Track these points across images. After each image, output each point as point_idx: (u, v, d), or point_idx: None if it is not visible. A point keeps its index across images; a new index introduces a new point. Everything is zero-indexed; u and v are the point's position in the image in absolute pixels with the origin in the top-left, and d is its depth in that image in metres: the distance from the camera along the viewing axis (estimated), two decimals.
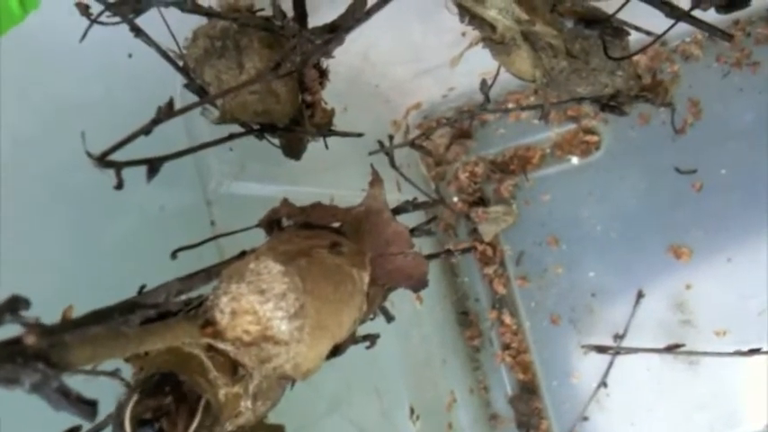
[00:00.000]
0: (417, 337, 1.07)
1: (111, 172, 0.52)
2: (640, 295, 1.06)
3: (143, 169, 0.58)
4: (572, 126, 1.11)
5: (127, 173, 0.55)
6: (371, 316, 0.72)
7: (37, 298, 0.32)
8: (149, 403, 0.40)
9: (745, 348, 0.92)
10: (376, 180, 0.61)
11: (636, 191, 1.08)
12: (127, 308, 0.36)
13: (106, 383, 0.44)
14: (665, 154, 1.06)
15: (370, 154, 0.98)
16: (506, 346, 1.15)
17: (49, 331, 0.32)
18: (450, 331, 1.16)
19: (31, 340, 0.31)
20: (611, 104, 0.73)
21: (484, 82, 0.77)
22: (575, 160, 1.11)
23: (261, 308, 0.45)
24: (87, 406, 0.35)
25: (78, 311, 0.38)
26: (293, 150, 0.74)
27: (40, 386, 0.32)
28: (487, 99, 0.77)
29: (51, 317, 0.35)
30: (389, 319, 0.81)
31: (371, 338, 0.77)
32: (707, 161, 1.05)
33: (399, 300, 0.82)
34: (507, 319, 1.15)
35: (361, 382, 0.91)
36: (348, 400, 0.90)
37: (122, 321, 0.36)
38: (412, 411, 0.95)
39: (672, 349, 1.01)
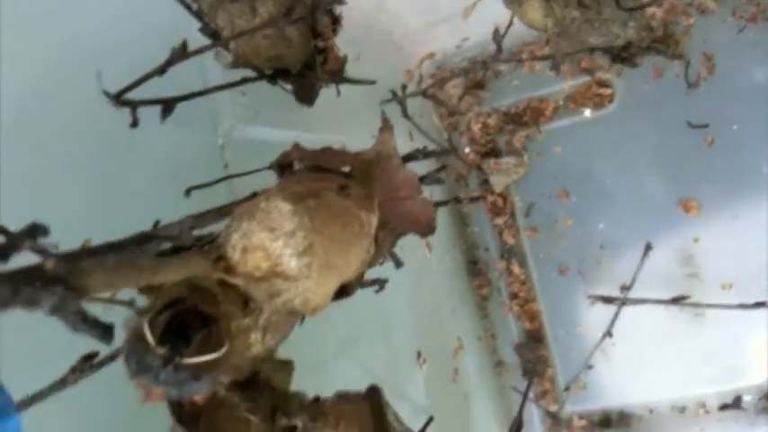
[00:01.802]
0: (426, 284, 1.09)
1: (127, 111, 0.54)
2: (648, 248, 1.07)
3: (158, 112, 0.60)
4: (586, 79, 1.11)
5: (143, 115, 0.57)
6: (381, 260, 0.74)
7: (54, 235, 0.33)
8: (167, 319, 0.42)
9: (750, 302, 0.94)
10: (386, 125, 0.62)
11: (647, 144, 1.08)
12: (143, 239, 0.38)
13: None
14: (677, 108, 1.06)
15: (383, 103, 0.99)
16: (514, 296, 1.17)
17: (67, 257, 0.33)
18: (458, 280, 1.18)
19: (50, 264, 0.32)
20: (622, 55, 0.74)
21: (496, 31, 0.77)
22: (587, 113, 1.11)
23: (271, 245, 0.47)
24: (104, 329, 0.37)
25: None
26: (305, 96, 0.75)
27: (58, 308, 0.34)
28: (500, 48, 0.77)
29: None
30: (398, 264, 0.83)
31: (380, 283, 0.79)
32: (719, 116, 1.05)
33: (409, 247, 0.83)
34: (516, 269, 1.16)
35: (370, 326, 0.93)
36: (356, 343, 0.92)
37: (138, 251, 0.37)
38: (419, 355, 0.98)
39: (678, 301, 1.02)
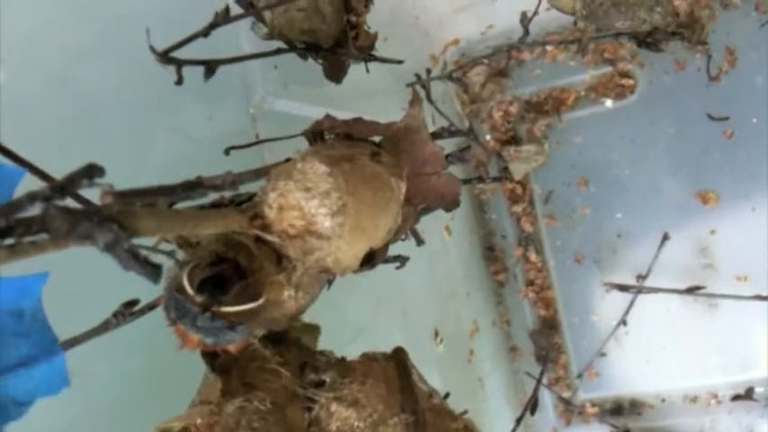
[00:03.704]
0: (444, 267, 1.10)
1: (165, 78, 0.56)
2: (665, 238, 1.08)
3: (197, 82, 0.62)
4: (608, 69, 1.12)
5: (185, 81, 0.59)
6: (403, 236, 0.75)
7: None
8: (206, 271, 0.44)
9: (765, 294, 0.95)
10: (416, 99, 0.63)
11: (667, 136, 1.09)
12: (189, 186, 0.39)
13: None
14: (698, 100, 1.07)
15: (408, 86, 1.00)
16: (530, 283, 1.19)
17: (122, 195, 0.35)
18: (475, 265, 1.19)
19: (107, 200, 0.34)
20: (647, 41, 0.75)
21: (524, 15, 0.79)
22: (609, 103, 1.13)
23: (306, 204, 0.49)
24: (153, 268, 0.39)
25: None
26: (335, 73, 0.77)
27: (111, 246, 0.36)
28: (527, 32, 0.79)
29: None
30: (420, 242, 0.85)
31: (401, 259, 0.80)
32: (739, 109, 1.06)
33: (429, 230, 0.85)
34: (532, 257, 1.18)
35: (388, 303, 0.94)
36: (374, 322, 0.94)
37: (184, 197, 0.39)
38: (436, 334, 1.00)
39: (692, 291, 1.04)
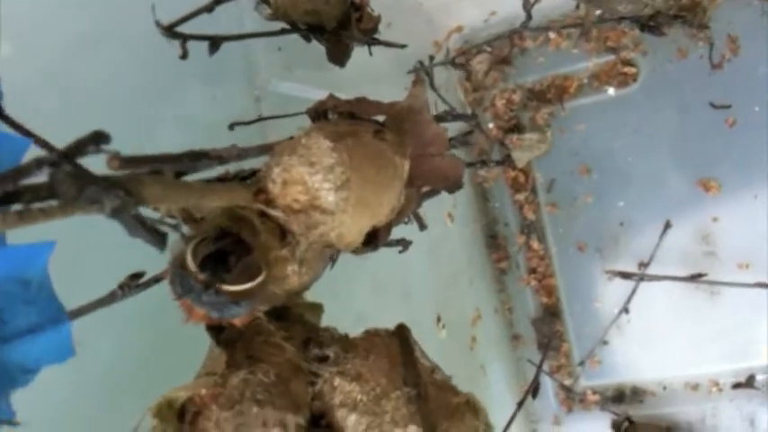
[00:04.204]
0: (447, 254, 1.11)
1: (175, 51, 0.56)
2: (668, 225, 1.09)
3: (201, 64, 0.62)
4: (611, 57, 1.12)
5: (186, 64, 0.59)
6: (406, 220, 0.76)
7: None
8: (210, 246, 0.44)
9: (767, 281, 0.95)
10: (419, 80, 0.64)
11: (670, 124, 1.09)
12: (194, 156, 0.40)
13: None
14: (700, 89, 1.08)
15: (410, 72, 1.01)
16: (532, 270, 1.19)
17: (128, 160, 0.35)
18: (478, 253, 1.20)
19: (114, 165, 0.35)
20: (650, 24, 0.75)
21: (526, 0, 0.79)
22: (611, 91, 1.13)
23: (310, 179, 0.49)
24: (159, 235, 0.39)
25: None
26: (338, 56, 0.77)
27: (118, 211, 0.36)
28: (529, 16, 0.79)
29: None
30: (423, 226, 0.85)
31: (404, 243, 0.81)
32: (741, 98, 1.06)
33: (431, 217, 0.85)
34: (535, 245, 1.18)
35: (391, 289, 0.95)
36: (376, 308, 0.94)
37: (190, 166, 0.39)
38: (438, 320, 1.00)
39: (695, 278, 1.04)
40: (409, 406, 0.50)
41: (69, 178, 0.34)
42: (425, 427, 0.49)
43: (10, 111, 0.50)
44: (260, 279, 0.48)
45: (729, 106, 1.06)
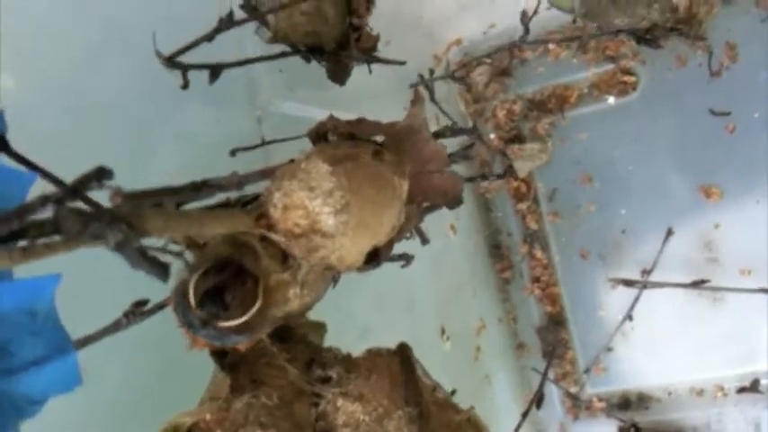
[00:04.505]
0: (450, 266, 1.11)
1: (170, 82, 0.57)
2: (670, 233, 1.09)
3: (203, 85, 0.63)
4: (610, 66, 1.13)
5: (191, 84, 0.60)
6: (408, 235, 0.76)
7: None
8: (211, 279, 0.45)
9: None
10: (417, 99, 0.64)
11: (670, 131, 1.10)
12: (195, 187, 0.41)
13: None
14: (700, 96, 1.08)
15: (411, 86, 1.02)
16: (536, 279, 1.20)
17: (131, 195, 0.36)
18: (481, 263, 1.20)
19: (117, 201, 0.35)
20: (646, 37, 0.76)
21: (524, 13, 0.80)
22: (611, 100, 1.13)
23: (310, 203, 0.50)
24: (162, 267, 0.40)
25: None
26: (338, 75, 0.78)
27: (121, 245, 0.37)
28: (527, 30, 0.80)
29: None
30: (425, 240, 0.86)
31: (407, 258, 0.81)
32: (741, 104, 1.06)
33: (434, 229, 0.86)
34: (538, 254, 1.19)
35: (394, 302, 0.95)
36: (380, 321, 0.95)
37: (191, 197, 0.40)
38: (443, 332, 1.01)
39: (697, 285, 1.04)
40: (411, 426, 0.51)
41: (73, 215, 0.35)
42: None
43: (13, 132, 0.51)
44: (254, 309, 0.48)
45: (729, 113, 1.07)
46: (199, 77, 0.64)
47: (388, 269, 0.81)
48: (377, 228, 0.55)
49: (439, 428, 0.51)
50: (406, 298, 0.98)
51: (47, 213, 0.37)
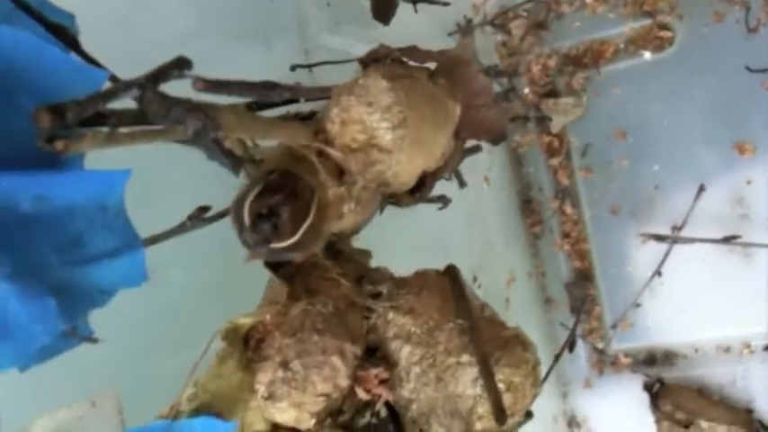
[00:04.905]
0: (482, 218, 1.12)
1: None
2: (702, 189, 1.09)
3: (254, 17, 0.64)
4: (647, 21, 1.12)
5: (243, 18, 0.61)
6: (448, 175, 0.77)
7: None
8: (266, 199, 0.46)
9: None
10: (468, 31, 0.65)
11: (705, 87, 1.10)
12: (268, 85, 0.42)
13: None
14: (736, 52, 1.08)
15: (450, 35, 1.02)
16: (566, 235, 1.20)
17: (211, 83, 0.37)
18: (512, 218, 1.21)
19: (199, 86, 0.37)
20: None
21: None
22: (647, 55, 1.13)
23: (368, 118, 0.51)
24: (236, 160, 0.41)
25: None
26: (383, 14, 0.79)
27: (200, 133, 0.38)
28: None
29: None
30: (462, 183, 0.87)
31: (444, 200, 0.82)
32: None
33: (468, 180, 0.86)
34: (569, 209, 1.19)
35: (428, 251, 0.96)
36: (416, 266, 0.96)
37: (265, 94, 0.41)
38: (474, 279, 1.01)
39: (728, 240, 1.05)
40: (462, 337, 0.52)
41: (158, 98, 0.36)
42: (478, 356, 0.50)
43: None
44: (304, 227, 0.49)
45: (766, 70, 1.06)
46: (251, 11, 0.65)
47: (425, 216, 0.82)
48: (431, 147, 0.56)
49: (489, 341, 0.53)
50: (442, 245, 0.99)
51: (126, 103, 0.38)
